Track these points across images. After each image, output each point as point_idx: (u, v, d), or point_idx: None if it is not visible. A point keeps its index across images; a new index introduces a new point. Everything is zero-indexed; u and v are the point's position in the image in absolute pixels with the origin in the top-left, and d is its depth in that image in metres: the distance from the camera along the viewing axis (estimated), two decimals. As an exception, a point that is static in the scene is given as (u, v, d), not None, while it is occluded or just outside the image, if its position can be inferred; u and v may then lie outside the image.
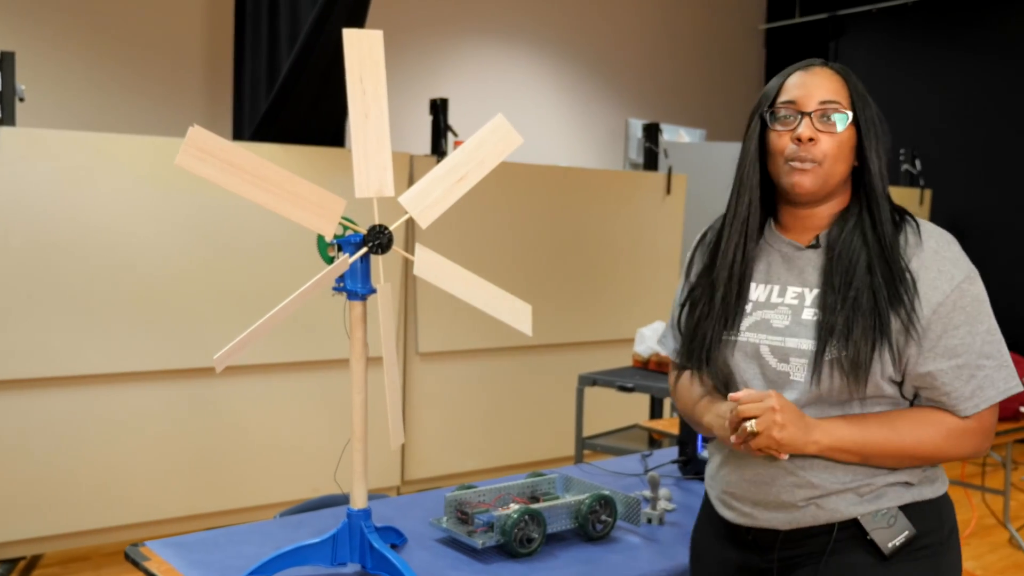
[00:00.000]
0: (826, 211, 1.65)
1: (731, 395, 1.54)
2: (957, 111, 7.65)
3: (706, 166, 6.96)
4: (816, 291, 1.59)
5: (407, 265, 4.11)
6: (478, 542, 1.88)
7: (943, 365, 1.53)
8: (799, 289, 1.62)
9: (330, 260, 1.81)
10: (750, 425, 1.49)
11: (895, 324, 1.51)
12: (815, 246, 1.63)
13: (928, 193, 6.55)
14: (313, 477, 3.92)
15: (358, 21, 3.93)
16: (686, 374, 1.76)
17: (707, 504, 1.79)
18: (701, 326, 1.68)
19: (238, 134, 4.99)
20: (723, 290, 1.66)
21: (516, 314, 1.92)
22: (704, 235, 1.81)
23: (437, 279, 1.83)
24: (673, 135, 8.02)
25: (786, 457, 1.52)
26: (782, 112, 1.62)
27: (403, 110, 6.38)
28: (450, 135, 4.48)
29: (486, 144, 1.85)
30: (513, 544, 1.88)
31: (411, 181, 4.12)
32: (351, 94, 1.69)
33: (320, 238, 1.83)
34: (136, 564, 1.88)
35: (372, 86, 1.71)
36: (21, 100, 3.36)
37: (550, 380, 4.82)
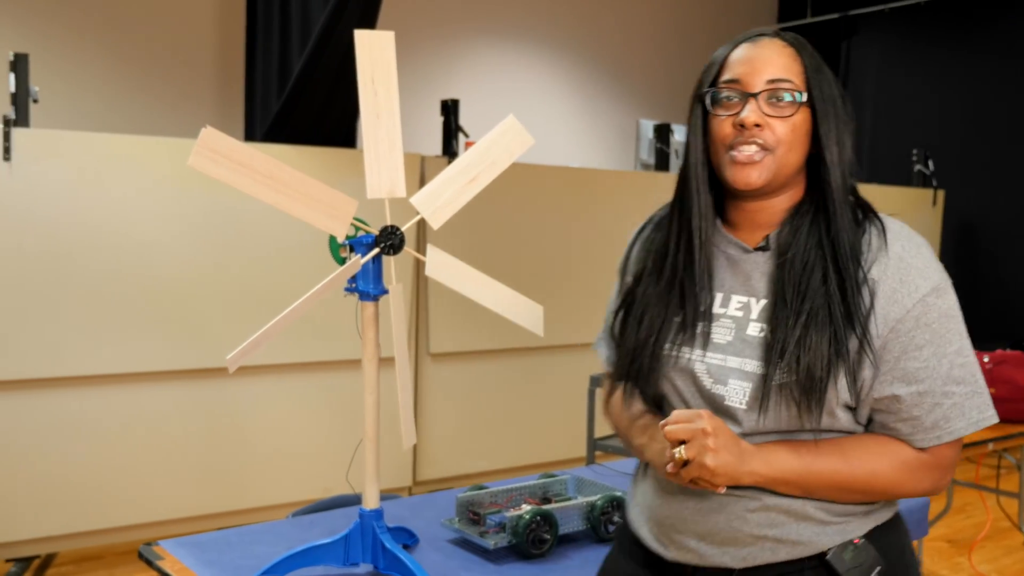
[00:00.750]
0: (779, 205, 1.40)
1: (672, 414, 1.30)
2: (970, 111, 7.62)
3: (717, 166, 6.95)
4: (764, 302, 1.36)
5: (419, 266, 4.11)
6: (490, 543, 1.88)
7: (901, 391, 1.30)
8: (744, 299, 1.38)
9: (342, 261, 1.82)
10: (678, 451, 1.26)
11: (851, 343, 1.29)
12: (764, 248, 1.40)
13: (941, 194, 6.52)
14: (325, 477, 3.93)
15: (369, 22, 3.93)
16: (620, 389, 1.53)
17: (627, 538, 1.55)
18: (637, 336, 1.43)
19: (250, 135, 5.00)
20: (665, 297, 1.43)
21: (528, 315, 1.92)
22: (642, 229, 1.57)
23: (449, 280, 1.84)
24: (684, 135, 8.01)
25: (723, 490, 1.29)
26: (724, 93, 1.37)
27: (414, 111, 6.38)
28: (461, 136, 4.48)
29: (497, 145, 1.85)
30: (525, 545, 1.88)
31: (422, 182, 4.13)
32: (363, 95, 1.69)
33: (332, 239, 1.83)
34: (149, 563, 1.88)
35: (384, 87, 1.71)
36: (35, 101, 3.38)
37: (562, 381, 4.81)
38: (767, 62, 1.36)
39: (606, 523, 2.02)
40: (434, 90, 7.09)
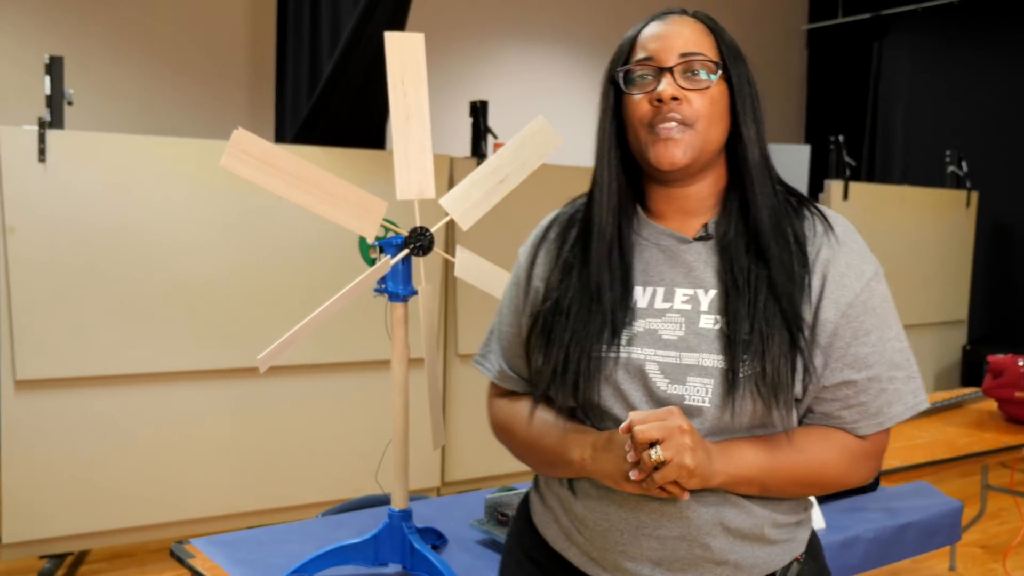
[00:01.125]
0: (705, 191, 1.33)
1: (630, 415, 1.17)
2: (1004, 112, 7.53)
3: (747, 168, 6.91)
4: (714, 292, 1.27)
5: (447, 267, 4.11)
6: (518, 544, 1.87)
7: (852, 376, 1.26)
8: (690, 291, 1.28)
9: (372, 262, 1.82)
10: (655, 452, 1.13)
11: (806, 330, 1.25)
12: (705, 237, 1.31)
13: (975, 195, 6.45)
14: (354, 477, 3.94)
15: (399, 24, 3.94)
16: (523, 404, 1.39)
17: (534, 547, 1.41)
18: (567, 341, 1.29)
19: (280, 137, 5.03)
20: (604, 296, 1.29)
21: (557, 316, 1.91)
22: (547, 229, 1.45)
23: (478, 280, 1.84)
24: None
25: (686, 496, 1.18)
26: (637, 72, 1.30)
27: (443, 112, 6.39)
28: (490, 137, 4.48)
29: (527, 146, 1.85)
30: (553, 546, 1.87)
31: (451, 183, 4.13)
32: (393, 97, 1.70)
33: (362, 240, 1.84)
34: (181, 561, 1.90)
35: (413, 89, 1.72)
36: (69, 103, 3.41)
37: (590, 382, 4.79)
38: (678, 36, 1.30)
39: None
40: (463, 91, 7.09)
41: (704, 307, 1.27)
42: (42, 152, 3.32)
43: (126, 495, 3.57)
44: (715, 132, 1.29)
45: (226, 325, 3.69)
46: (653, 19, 1.35)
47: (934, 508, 2.33)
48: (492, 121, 4.61)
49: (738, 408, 1.22)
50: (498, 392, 1.48)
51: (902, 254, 5.86)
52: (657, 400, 1.25)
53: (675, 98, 1.26)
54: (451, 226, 3.78)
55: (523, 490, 2.06)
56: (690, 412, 1.23)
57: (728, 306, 1.25)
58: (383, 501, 2.30)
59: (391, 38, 1.70)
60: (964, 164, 6.39)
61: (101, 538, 3.58)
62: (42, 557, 3.52)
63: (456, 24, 7.45)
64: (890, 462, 2.68)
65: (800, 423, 1.31)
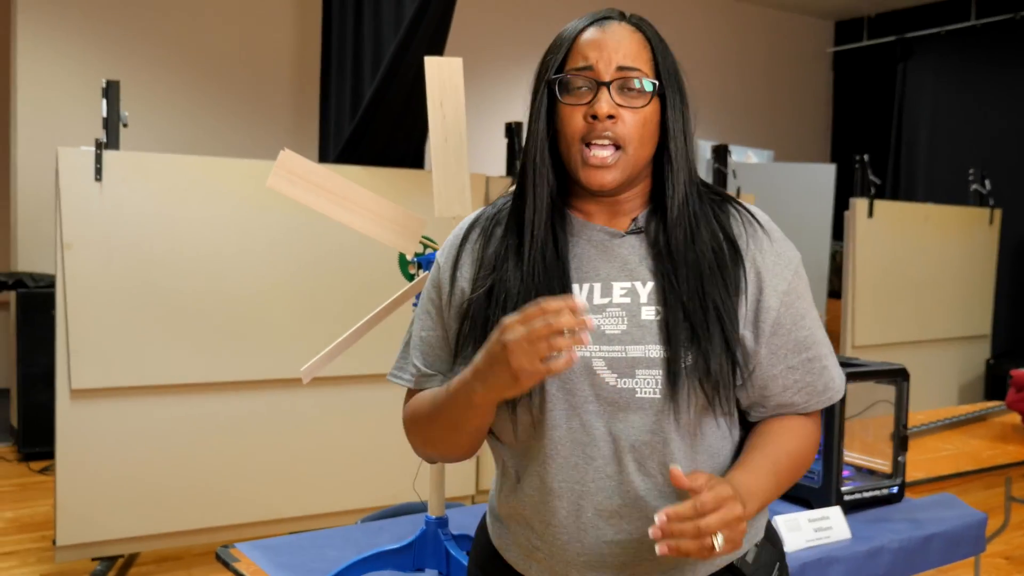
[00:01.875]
0: (633, 194, 1.28)
1: (685, 484, 1.06)
2: (1027, 131, 7.44)
3: (773, 186, 6.87)
4: (651, 284, 1.22)
5: (483, 282, 4.12)
6: (551, 551, 1.86)
7: (795, 360, 1.25)
8: (627, 284, 1.23)
9: (411, 277, 1.83)
10: (718, 543, 1.05)
11: (749, 320, 1.22)
12: (637, 231, 1.26)
13: (998, 213, 6.37)
14: (393, 485, 3.94)
15: (438, 49, 3.96)
16: (426, 390, 1.34)
17: (490, 563, 1.35)
18: None
19: (323, 157, 5.07)
20: (529, 296, 1.20)
21: (589, 330, 1.90)
22: (468, 231, 1.34)
23: (512, 296, 1.83)
24: (741, 156, 7.93)
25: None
26: (574, 81, 1.23)
27: (479, 133, 6.41)
28: (524, 157, 4.48)
29: (560, 166, 1.84)
30: (585, 553, 1.86)
31: (486, 201, 4.13)
32: (432, 118, 1.70)
33: (401, 256, 1.84)
34: (226, 565, 1.91)
35: (452, 111, 1.72)
36: (125, 126, 3.45)
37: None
38: (617, 48, 1.22)
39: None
40: (498, 113, 7.11)
41: (644, 299, 1.22)
42: (98, 172, 3.36)
43: (174, 500, 3.59)
44: (645, 152, 1.23)
45: (271, 338, 3.71)
46: (592, 22, 1.28)
47: (959, 519, 2.29)
48: (526, 141, 4.61)
49: (685, 398, 1.18)
50: (411, 396, 1.41)
51: (926, 270, 5.79)
52: (602, 397, 1.19)
53: (611, 116, 1.20)
54: (486, 243, 3.77)
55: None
56: (642, 405, 1.18)
57: (666, 297, 1.20)
58: (420, 508, 2.30)
59: (431, 62, 1.71)
60: (987, 182, 6.32)
61: (150, 541, 3.60)
62: (94, 559, 3.56)
63: (492, 48, 7.49)
64: (914, 474, 2.65)
65: (747, 419, 1.29)
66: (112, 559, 3.60)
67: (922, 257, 5.76)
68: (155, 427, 3.55)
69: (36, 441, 5.08)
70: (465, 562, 1.74)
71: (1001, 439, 3.28)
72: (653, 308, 1.21)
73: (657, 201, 1.28)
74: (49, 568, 3.64)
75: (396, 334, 3.62)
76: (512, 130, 4.49)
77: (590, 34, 1.25)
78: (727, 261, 1.23)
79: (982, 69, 8.03)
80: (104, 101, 3.41)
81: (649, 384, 1.19)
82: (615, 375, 1.19)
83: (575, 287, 1.24)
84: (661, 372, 1.18)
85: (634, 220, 1.27)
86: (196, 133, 6.44)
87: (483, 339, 1.17)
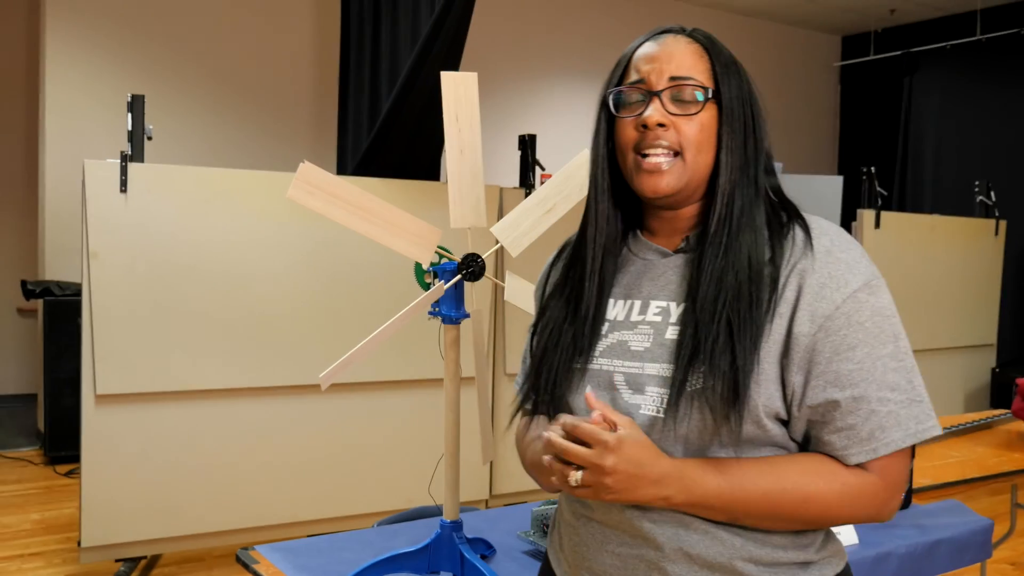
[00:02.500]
0: (693, 210, 1.24)
1: (561, 421, 1.09)
2: (1032, 144, 7.40)
3: (782, 198, 6.84)
4: (684, 305, 1.18)
5: (497, 291, 4.12)
6: (563, 555, 1.86)
7: (835, 396, 1.10)
8: (663, 303, 1.20)
9: (426, 286, 1.83)
10: (575, 478, 1.06)
11: (774, 345, 1.12)
12: (684, 250, 1.23)
13: (1003, 224, 6.34)
14: (408, 489, 3.95)
15: (453, 64, 3.98)
16: (523, 422, 1.35)
17: None
18: (548, 355, 1.25)
19: (342, 169, 5.09)
20: (570, 309, 1.25)
21: (600, 338, 1.90)
22: (560, 252, 1.38)
23: (526, 304, 1.84)
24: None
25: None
26: (627, 95, 1.21)
27: (494, 145, 6.42)
28: (537, 169, 4.49)
29: (573, 178, 1.85)
30: (596, 557, 1.85)
31: (501, 212, 4.14)
32: (448, 131, 1.71)
33: (417, 266, 1.85)
34: (246, 566, 1.91)
35: (467, 124, 1.73)
36: (149, 139, 3.47)
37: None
38: (670, 59, 1.20)
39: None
40: (513, 126, 7.13)
41: (673, 319, 1.18)
42: (123, 183, 3.38)
43: (196, 503, 3.60)
44: (703, 159, 1.19)
45: (290, 345, 3.72)
46: (648, 38, 1.25)
47: (965, 525, 2.28)
48: (540, 154, 4.62)
49: (684, 423, 1.11)
50: (519, 413, 1.42)
51: (932, 281, 5.76)
52: (620, 410, 1.17)
53: (661, 124, 1.17)
54: (501, 253, 3.79)
55: (568, 503, 2.05)
56: (645, 422, 1.15)
57: (684, 317, 1.16)
58: (435, 512, 2.30)
59: (447, 77, 1.71)
60: (992, 194, 6.28)
61: (172, 543, 3.61)
62: (118, 560, 3.57)
63: (507, 63, 7.50)
64: (921, 480, 2.63)
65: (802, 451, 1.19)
66: (135, 560, 3.61)
67: (928, 267, 5.73)
68: (177, 432, 3.56)
69: (62, 445, 5.10)
70: (478, 565, 1.74)
71: (1007, 446, 3.26)
72: (677, 328, 1.17)
73: (708, 218, 1.22)
74: (74, 569, 3.65)
75: (413, 342, 3.64)
76: (525, 142, 4.50)
77: (645, 49, 1.23)
78: (762, 277, 1.14)
79: (988, 83, 8.00)
80: (129, 115, 3.43)
81: (654, 402, 1.15)
82: (630, 391, 1.17)
83: (618, 303, 1.24)
84: (668, 391, 1.13)
85: (686, 239, 1.23)
86: (218, 146, 6.48)
87: (531, 360, 1.28)
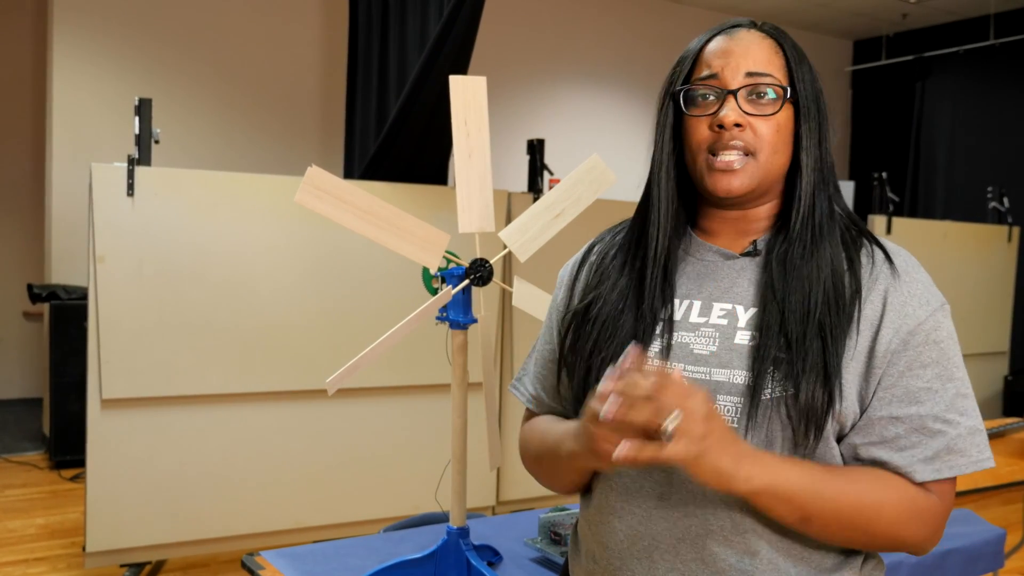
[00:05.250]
0: (761, 212, 1.20)
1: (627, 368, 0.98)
2: (1045, 149, 7.37)
3: (793, 203, 6.84)
4: (754, 309, 1.13)
5: (505, 296, 4.12)
6: (570, 562, 1.86)
7: (901, 412, 1.07)
8: (728, 306, 1.14)
9: (434, 291, 1.83)
10: (672, 420, 0.94)
11: (857, 361, 1.08)
12: (752, 253, 1.18)
13: (1016, 230, 6.32)
14: (415, 495, 3.95)
15: (462, 68, 3.98)
16: (529, 419, 1.30)
17: None
18: (592, 353, 1.17)
19: (349, 173, 5.10)
20: (638, 305, 1.17)
21: (609, 344, 1.90)
22: (589, 250, 1.33)
23: (534, 310, 1.84)
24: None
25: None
26: (700, 91, 1.16)
27: (502, 150, 6.43)
28: (546, 174, 4.50)
29: (582, 182, 1.85)
30: (604, 565, 1.85)
31: (509, 217, 4.15)
32: (456, 136, 1.71)
33: (425, 270, 1.85)
34: (252, 572, 1.91)
35: (475, 129, 1.73)
36: (156, 142, 3.48)
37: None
38: (745, 54, 1.15)
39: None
40: (521, 130, 7.14)
41: (742, 323, 1.12)
42: (130, 187, 3.40)
43: (201, 508, 3.61)
44: (778, 160, 1.15)
45: (297, 349, 3.73)
46: (719, 32, 1.19)
47: (977, 535, 2.27)
48: (548, 158, 4.63)
49: (766, 431, 1.06)
50: (527, 418, 1.36)
51: (945, 287, 5.70)
52: None
53: (738, 124, 1.12)
54: (509, 258, 3.79)
55: (576, 511, 2.05)
56: None
57: (763, 322, 1.10)
58: (442, 519, 2.30)
59: (455, 81, 1.72)
60: (1006, 200, 6.27)
61: (177, 549, 3.61)
62: (122, 566, 3.57)
63: (516, 67, 7.51)
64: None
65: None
66: (140, 565, 3.61)
67: (940, 274, 5.70)
68: (183, 436, 3.57)
69: (67, 449, 5.12)
70: (485, 572, 1.74)
71: (1019, 455, 3.24)
72: (749, 333, 1.11)
73: (783, 224, 1.18)
74: (78, 574, 3.66)
75: (420, 347, 3.65)
76: (534, 147, 4.50)
77: (716, 43, 1.18)
78: (845, 285, 1.10)
79: (1000, 88, 7.98)
80: (136, 118, 3.44)
81: (728, 412, 1.08)
82: None
83: (676, 302, 1.18)
84: (742, 400, 1.08)
85: (753, 242, 1.19)
86: (226, 150, 6.50)
87: (573, 356, 1.19)
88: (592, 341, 1.18)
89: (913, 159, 8.54)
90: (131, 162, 3.40)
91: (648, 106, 7.49)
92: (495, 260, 1.78)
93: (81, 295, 5.29)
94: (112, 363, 3.39)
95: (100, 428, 3.42)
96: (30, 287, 5.43)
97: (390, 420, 4.00)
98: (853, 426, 1.09)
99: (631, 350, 0.99)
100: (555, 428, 1.21)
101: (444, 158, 4.35)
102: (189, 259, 3.53)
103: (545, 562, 1.97)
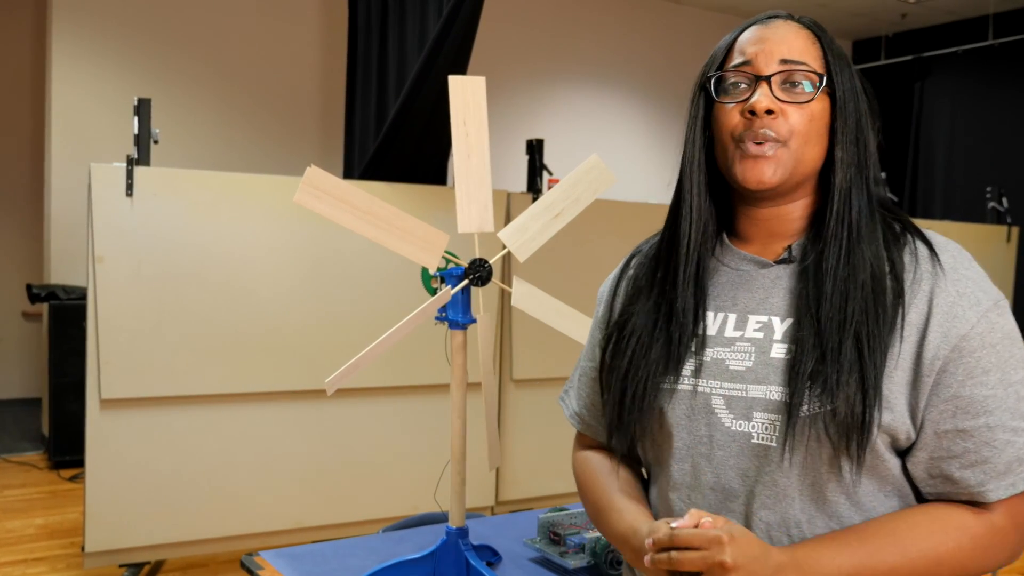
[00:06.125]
0: (795, 212, 1.14)
1: (671, 525, 0.97)
2: (1044, 150, 7.38)
3: (792, 203, 6.84)
4: (791, 320, 1.08)
5: (504, 296, 4.12)
6: (570, 563, 1.86)
7: (967, 424, 1.01)
8: (764, 318, 1.10)
9: (433, 291, 1.83)
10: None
11: (903, 370, 1.02)
12: (787, 260, 1.12)
13: (1015, 231, 6.32)
14: (414, 495, 3.95)
15: (461, 68, 3.98)
16: (594, 462, 1.26)
17: None
18: (628, 372, 1.14)
19: (348, 173, 5.10)
20: (658, 322, 1.14)
21: (608, 344, 1.90)
22: (628, 262, 1.30)
23: (533, 310, 1.84)
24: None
25: None
26: (731, 79, 1.11)
27: (501, 150, 6.43)
28: (545, 173, 4.50)
29: (581, 183, 1.85)
30: (603, 566, 1.85)
31: (508, 217, 4.15)
32: (455, 136, 1.71)
33: (424, 271, 1.85)
34: (251, 572, 1.91)
35: (475, 129, 1.73)
36: (155, 142, 3.48)
37: (639, 408, 4.74)
38: (781, 42, 1.10)
39: (682, 547, 1.98)
40: (520, 130, 7.14)
41: (778, 336, 1.08)
42: (130, 187, 3.40)
43: (200, 508, 3.60)
44: (811, 152, 1.10)
45: (297, 349, 3.73)
46: (754, 22, 1.16)
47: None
48: (548, 158, 4.63)
49: (803, 448, 1.02)
50: (580, 443, 1.35)
51: (944, 287, 5.75)
52: (715, 440, 1.08)
53: (770, 111, 1.08)
54: (508, 258, 3.79)
55: (574, 510, 2.05)
56: (757, 452, 1.06)
57: (799, 334, 1.05)
58: (441, 519, 2.30)
59: (455, 81, 1.71)
60: (1005, 200, 6.27)
61: (176, 549, 3.61)
62: (121, 566, 3.57)
63: (515, 67, 7.51)
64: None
65: (915, 493, 1.07)
66: (139, 565, 3.61)
67: (939, 274, 5.72)
68: (183, 437, 3.57)
69: (66, 449, 5.12)
70: (484, 572, 1.73)
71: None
72: (785, 346, 1.06)
73: (818, 225, 1.12)
74: (77, 574, 3.66)
75: (419, 347, 3.65)
76: (533, 147, 4.50)
77: (751, 31, 1.14)
78: (885, 290, 1.04)
79: (1000, 88, 7.98)
80: (136, 118, 3.45)
81: (767, 430, 1.04)
82: (731, 415, 1.07)
83: (710, 316, 1.14)
84: (779, 417, 1.04)
85: (788, 248, 1.13)
86: (225, 149, 6.50)
87: (614, 373, 1.16)
88: (627, 360, 1.16)
89: (912, 159, 8.54)
90: (130, 162, 3.40)
91: (647, 106, 7.57)
92: (494, 260, 1.78)
93: (80, 295, 5.29)
94: (111, 363, 3.39)
95: (99, 428, 3.41)
96: (29, 287, 5.43)
97: (389, 420, 4.00)
98: (915, 440, 1.04)
99: (691, 517, 0.98)
100: (616, 506, 1.17)
101: (443, 158, 4.35)
102: (188, 259, 3.53)
103: (544, 562, 1.97)
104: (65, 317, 5.18)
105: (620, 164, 7.58)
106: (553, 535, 1.97)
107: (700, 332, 1.13)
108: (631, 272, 1.27)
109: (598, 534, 1.88)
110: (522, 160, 4.69)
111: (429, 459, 3.96)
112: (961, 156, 8.23)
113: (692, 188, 1.16)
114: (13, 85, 6.68)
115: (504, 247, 1.79)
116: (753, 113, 1.08)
